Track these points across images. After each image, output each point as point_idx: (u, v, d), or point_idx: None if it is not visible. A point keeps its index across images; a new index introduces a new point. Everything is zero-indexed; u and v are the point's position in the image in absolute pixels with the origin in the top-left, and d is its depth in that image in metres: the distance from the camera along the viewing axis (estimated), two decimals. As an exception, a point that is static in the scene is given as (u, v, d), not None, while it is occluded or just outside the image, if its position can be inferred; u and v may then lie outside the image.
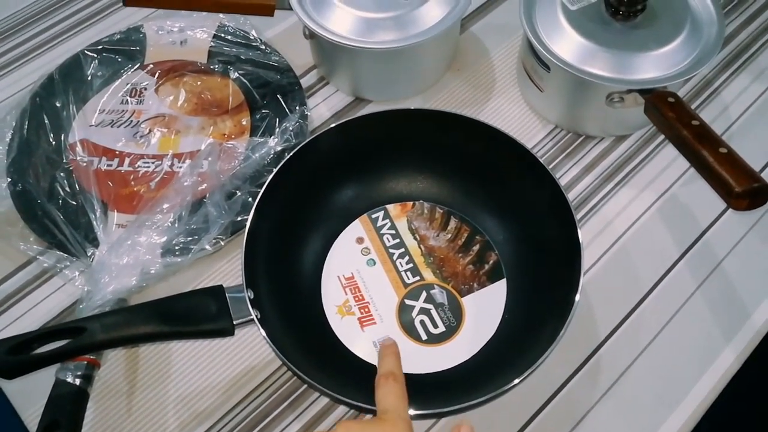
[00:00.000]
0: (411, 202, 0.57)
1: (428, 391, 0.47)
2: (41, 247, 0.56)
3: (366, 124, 0.55)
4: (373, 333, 0.51)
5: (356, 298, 0.52)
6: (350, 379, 0.45)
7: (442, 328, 0.51)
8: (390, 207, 0.57)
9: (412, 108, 0.56)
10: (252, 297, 0.45)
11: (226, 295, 0.45)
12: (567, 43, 0.56)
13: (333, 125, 0.54)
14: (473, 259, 0.54)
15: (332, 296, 0.52)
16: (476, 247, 0.55)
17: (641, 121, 0.57)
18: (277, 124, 0.62)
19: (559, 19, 0.57)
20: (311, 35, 0.61)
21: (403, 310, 0.52)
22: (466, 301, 0.52)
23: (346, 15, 0.59)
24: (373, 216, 0.56)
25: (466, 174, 0.57)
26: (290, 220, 0.53)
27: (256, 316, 0.44)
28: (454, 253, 0.55)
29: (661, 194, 0.59)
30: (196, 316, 0.44)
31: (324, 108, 0.65)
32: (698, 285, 0.54)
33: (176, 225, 0.55)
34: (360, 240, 0.55)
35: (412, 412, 0.40)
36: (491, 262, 0.54)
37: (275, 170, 0.51)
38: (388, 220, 0.56)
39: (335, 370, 0.46)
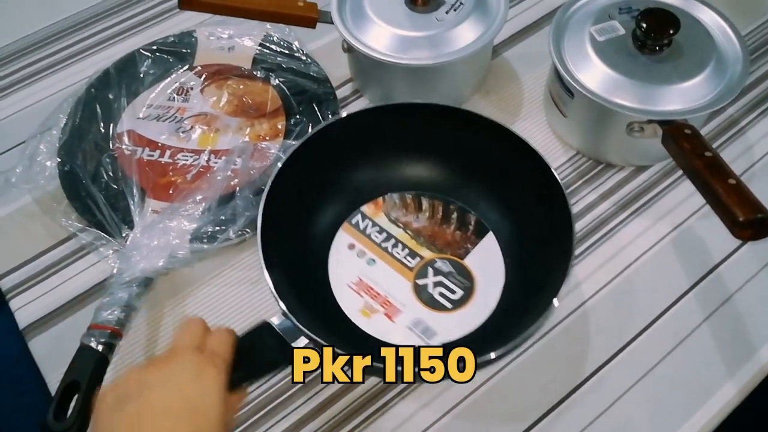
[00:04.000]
0: (380, 198, 0.60)
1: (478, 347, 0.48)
2: (81, 225, 0.60)
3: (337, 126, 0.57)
4: (404, 319, 0.53)
5: (373, 297, 0.55)
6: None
7: (460, 292, 0.54)
8: (364, 208, 0.59)
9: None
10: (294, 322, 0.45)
11: (276, 329, 0.45)
12: (592, 72, 0.58)
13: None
14: (457, 225, 0.58)
15: (351, 303, 0.54)
16: (455, 215, 0.58)
17: (661, 154, 0.58)
18: (310, 130, 0.65)
19: (587, 49, 0.59)
20: (349, 49, 0.65)
21: (420, 290, 0.55)
22: (469, 261, 0.56)
23: (384, 32, 0.63)
24: (353, 221, 0.58)
25: (436, 155, 0.60)
26: (289, 239, 0.54)
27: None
28: (438, 226, 0.58)
29: (677, 226, 0.60)
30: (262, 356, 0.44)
31: None
32: (706, 317, 0.55)
33: (206, 215, 0.59)
34: (351, 246, 0.57)
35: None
36: (472, 222, 0.58)
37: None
38: (368, 220, 0.58)
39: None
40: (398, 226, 0.58)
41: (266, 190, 0.51)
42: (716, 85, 0.57)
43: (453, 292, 0.54)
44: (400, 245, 0.57)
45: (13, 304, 0.57)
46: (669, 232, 0.60)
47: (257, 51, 0.72)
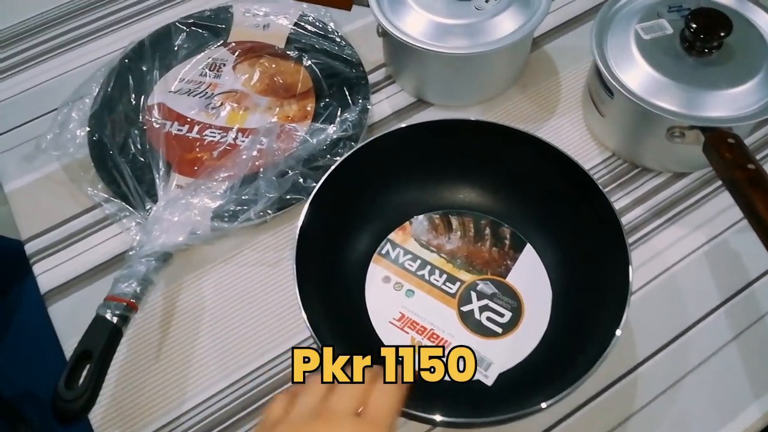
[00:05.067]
0: (407, 222, 0.57)
1: (542, 375, 0.48)
2: (106, 195, 0.60)
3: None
4: None
5: (420, 332, 0.52)
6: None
7: (508, 314, 0.52)
8: (392, 236, 0.56)
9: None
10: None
11: None
12: (634, 72, 0.56)
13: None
14: (492, 242, 0.55)
15: (397, 341, 0.51)
16: (487, 231, 0.56)
17: (701, 161, 0.55)
18: (339, 114, 0.64)
19: (630, 47, 0.57)
20: (383, 33, 0.64)
21: (466, 318, 0.52)
22: (512, 279, 0.53)
23: (421, 18, 0.61)
24: (383, 251, 0.55)
25: (468, 170, 0.57)
26: (324, 278, 0.52)
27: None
28: (472, 245, 0.55)
29: (712, 237, 0.57)
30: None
31: (386, 105, 0.67)
32: (735, 335, 0.53)
33: (228, 193, 0.59)
34: (386, 279, 0.54)
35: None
36: (507, 235, 0.55)
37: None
38: (398, 248, 0.55)
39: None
40: (431, 251, 0.56)
41: (299, 227, 0.50)
42: (766, 94, 0.54)
43: (501, 315, 0.52)
44: (437, 271, 0.54)
45: (37, 269, 0.58)
46: (704, 243, 0.57)
47: (292, 30, 0.71)
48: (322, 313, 0.47)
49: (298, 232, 0.49)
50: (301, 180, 0.59)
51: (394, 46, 0.65)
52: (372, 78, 0.68)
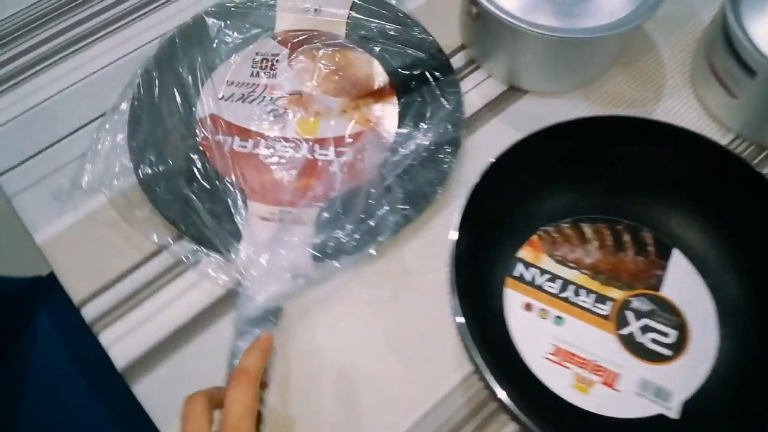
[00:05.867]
0: (534, 236, 0.50)
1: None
2: (173, 235, 0.50)
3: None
4: (628, 384, 0.45)
5: (581, 365, 0.45)
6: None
7: (672, 332, 0.46)
8: (521, 254, 0.49)
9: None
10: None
11: None
12: (781, 45, 0.49)
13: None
14: (635, 250, 0.49)
15: (558, 379, 0.45)
16: (626, 237, 0.49)
17: None
18: (428, 113, 0.55)
19: (775, 16, 0.50)
20: (478, 15, 0.54)
21: (628, 342, 0.46)
22: (667, 292, 0.47)
23: None
24: (516, 273, 0.48)
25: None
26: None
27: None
28: (614, 255, 0.49)
29: None
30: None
31: (475, 96, 0.59)
32: None
33: (323, 220, 0.49)
34: (528, 306, 0.47)
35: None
36: (650, 240, 0.49)
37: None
38: (532, 269, 0.49)
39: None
40: (569, 267, 0.49)
41: (454, 256, 0.41)
42: None
43: (665, 334, 0.46)
44: (582, 291, 0.48)
45: (104, 339, 0.47)
46: None
47: (350, 13, 0.61)
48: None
49: (454, 263, 0.41)
50: (401, 194, 0.51)
51: (486, 27, 0.56)
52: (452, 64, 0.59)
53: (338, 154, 0.53)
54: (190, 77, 0.57)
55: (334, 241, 0.49)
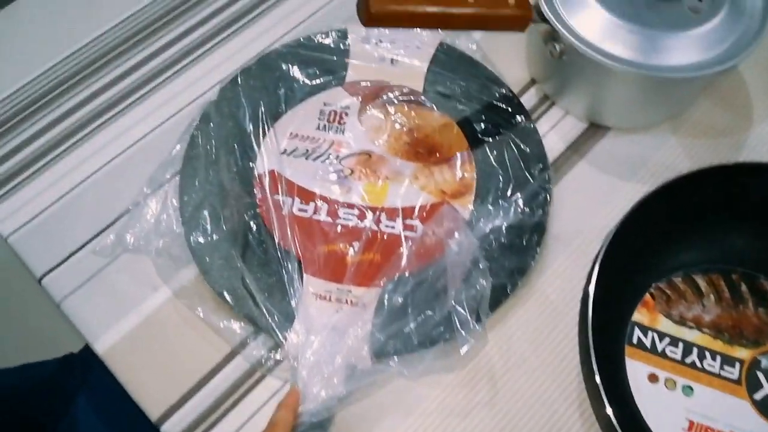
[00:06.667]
0: (646, 295, 0.45)
1: None
2: (232, 320, 0.45)
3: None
4: None
5: None
6: None
7: None
8: (636, 317, 0.45)
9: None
10: None
11: None
12: None
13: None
14: (755, 300, 0.45)
15: None
16: (743, 287, 0.45)
17: None
18: (510, 188, 0.49)
19: None
20: (561, 54, 0.48)
21: (763, 407, 0.42)
22: None
23: (614, 28, 0.47)
24: (633, 340, 0.44)
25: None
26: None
27: None
28: (734, 309, 0.45)
29: None
30: None
31: (555, 138, 0.53)
32: None
33: (390, 304, 0.44)
34: (653, 377, 0.43)
35: None
36: None
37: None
38: (650, 333, 0.44)
39: None
40: (689, 327, 0.44)
41: (583, 332, 0.37)
42: None
43: None
44: (707, 354, 0.44)
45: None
46: None
47: (430, 66, 0.55)
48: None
49: (585, 346, 0.37)
50: (483, 282, 0.45)
51: (569, 64, 0.50)
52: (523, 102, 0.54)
53: (406, 228, 0.48)
54: (249, 126, 0.52)
55: (399, 333, 0.43)
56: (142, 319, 0.46)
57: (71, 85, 0.56)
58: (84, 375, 0.54)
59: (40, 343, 0.65)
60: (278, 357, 0.43)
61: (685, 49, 0.46)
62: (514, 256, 0.47)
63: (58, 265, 0.48)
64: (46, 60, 0.57)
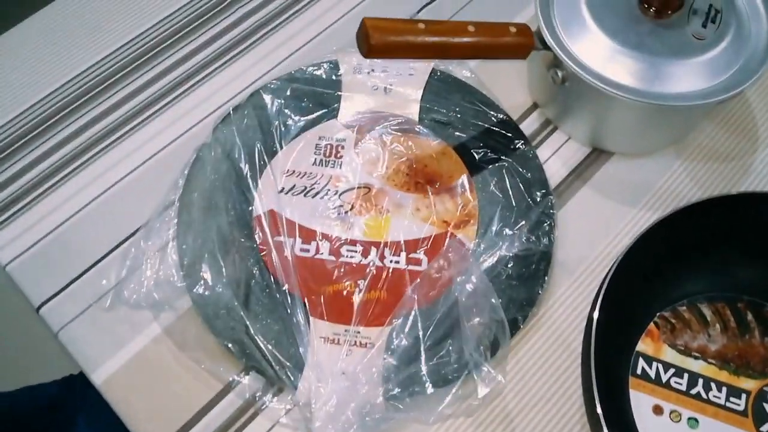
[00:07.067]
0: (651, 324, 0.45)
1: None
2: (236, 368, 0.44)
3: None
4: None
5: None
6: None
7: None
8: (640, 347, 0.44)
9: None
10: None
11: None
12: None
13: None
14: (762, 330, 0.45)
15: None
16: (750, 317, 0.45)
17: None
18: (514, 216, 0.49)
19: None
20: (563, 80, 0.48)
21: None
22: None
23: (618, 57, 0.46)
24: (638, 371, 0.44)
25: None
26: None
27: None
28: (740, 339, 0.45)
29: None
30: None
31: (557, 163, 0.53)
32: None
33: (400, 343, 0.43)
34: (658, 409, 0.42)
35: None
36: None
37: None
38: (655, 363, 0.44)
39: None
40: (695, 357, 0.44)
41: (586, 367, 0.37)
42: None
43: None
44: (712, 385, 0.43)
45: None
46: None
47: (424, 94, 0.54)
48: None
49: (589, 381, 0.36)
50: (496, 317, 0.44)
51: (571, 91, 0.49)
52: (524, 128, 0.53)
53: (411, 261, 0.47)
54: (245, 166, 0.51)
55: (412, 375, 0.42)
56: (140, 349, 0.45)
57: (63, 116, 0.55)
58: (84, 396, 0.53)
59: (41, 366, 0.63)
60: (288, 406, 0.42)
61: (689, 76, 0.45)
62: (522, 287, 0.46)
63: (57, 294, 0.47)
64: (37, 91, 0.56)
